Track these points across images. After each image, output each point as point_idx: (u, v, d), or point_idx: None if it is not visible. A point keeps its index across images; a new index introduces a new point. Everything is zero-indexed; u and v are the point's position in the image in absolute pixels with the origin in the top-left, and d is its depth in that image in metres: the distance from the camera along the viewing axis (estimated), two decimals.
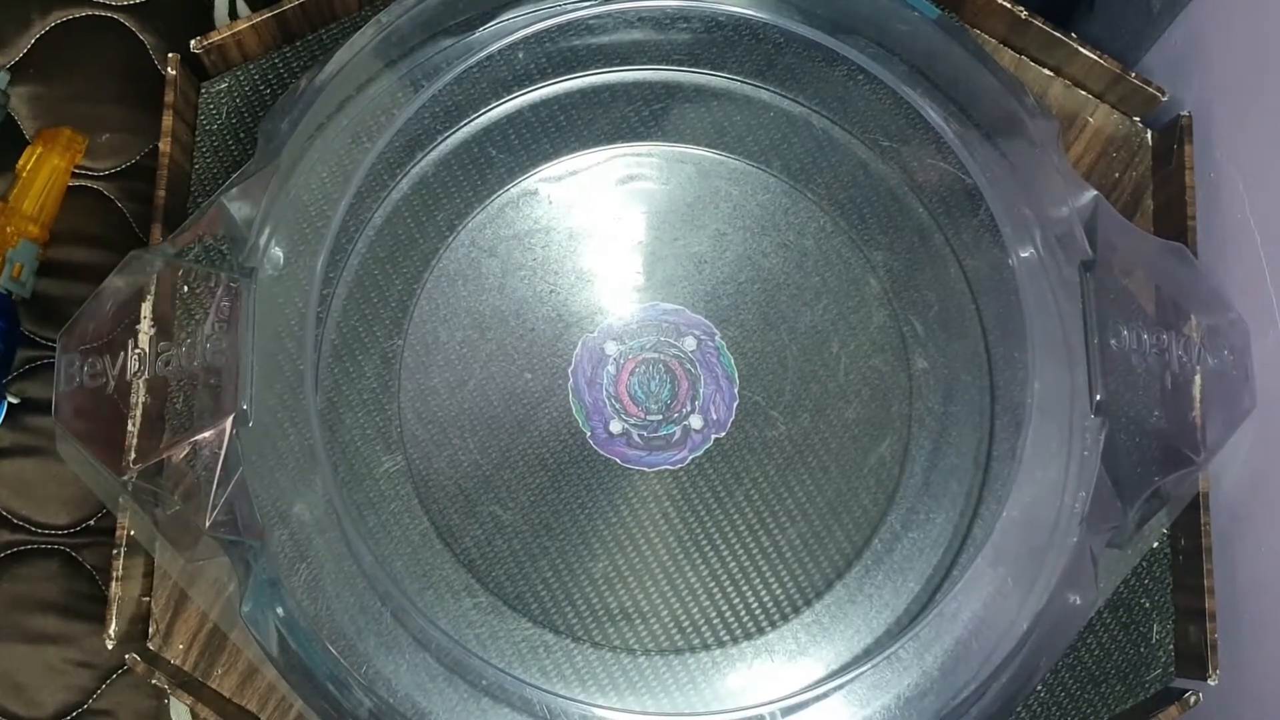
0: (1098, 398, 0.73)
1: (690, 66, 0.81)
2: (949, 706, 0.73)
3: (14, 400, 0.84)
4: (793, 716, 0.72)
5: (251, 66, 0.85)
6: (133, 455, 0.75)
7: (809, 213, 0.80)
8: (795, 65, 0.81)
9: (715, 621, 0.74)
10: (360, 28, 0.79)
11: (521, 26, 0.79)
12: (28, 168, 0.86)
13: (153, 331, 0.75)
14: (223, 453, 0.71)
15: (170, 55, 0.82)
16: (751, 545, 0.75)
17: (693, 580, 0.75)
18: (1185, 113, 0.83)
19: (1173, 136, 0.84)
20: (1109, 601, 0.80)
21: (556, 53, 0.81)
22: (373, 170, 0.77)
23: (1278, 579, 0.76)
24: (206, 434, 0.72)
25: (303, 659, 0.73)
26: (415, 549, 0.74)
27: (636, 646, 0.74)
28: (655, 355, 0.78)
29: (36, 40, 0.90)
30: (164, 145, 0.81)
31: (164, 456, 0.74)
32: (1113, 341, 0.74)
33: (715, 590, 0.75)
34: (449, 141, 0.80)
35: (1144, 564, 0.80)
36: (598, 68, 0.81)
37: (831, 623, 0.74)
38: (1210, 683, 0.77)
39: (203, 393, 0.74)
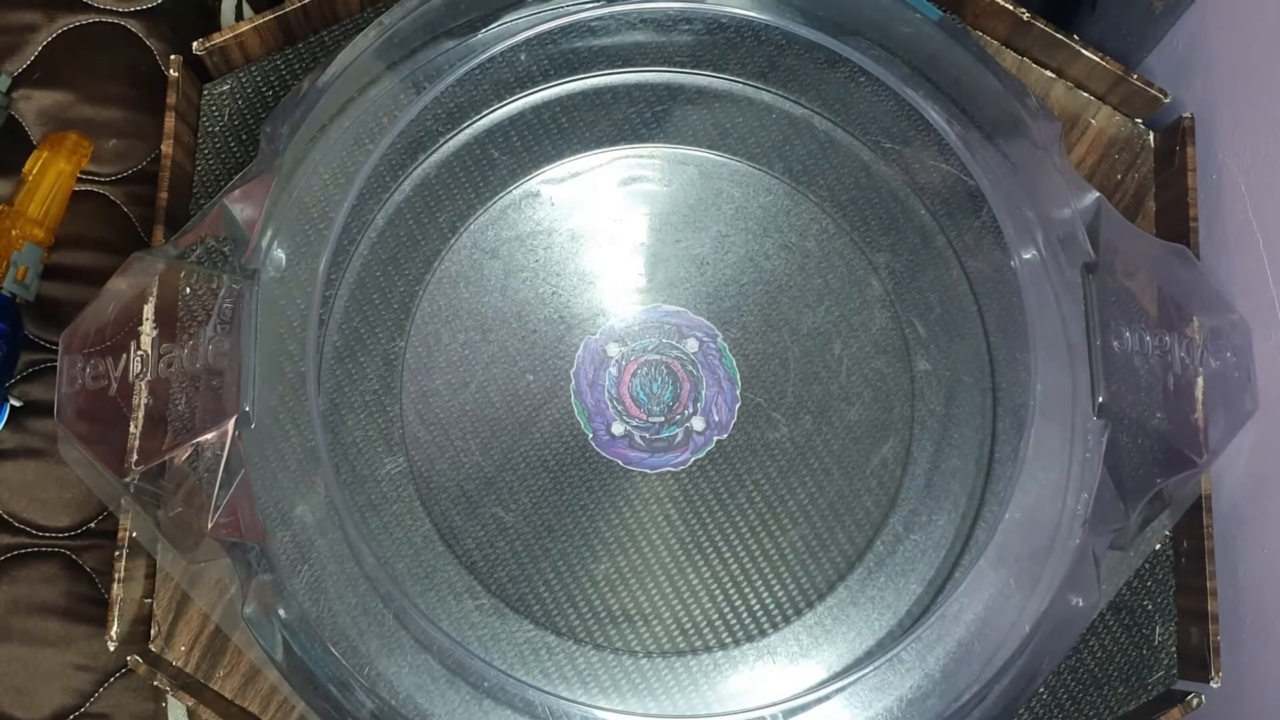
0: (1100, 399, 0.73)
1: (692, 68, 0.81)
2: (951, 709, 0.73)
3: (16, 403, 0.85)
4: (795, 718, 0.72)
5: (254, 68, 0.85)
6: (135, 457, 0.75)
7: (811, 214, 0.80)
8: (797, 67, 0.81)
9: (717, 623, 0.74)
10: (362, 29, 0.79)
11: (524, 28, 0.79)
12: (33, 171, 0.86)
13: (155, 333, 0.75)
14: (225, 454, 0.71)
15: (172, 57, 0.82)
16: (754, 547, 0.75)
17: (695, 582, 0.75)
18: (1187, 114, 0.83)
19: (1175, 138, 0.84)
20: (1111, 603, 0.80)
21: (559, 54, 0.81)
22: (375, 172, 0.77)
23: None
24: (208, 436, 0.72)
25: (305, 661, 0.73)
26: (417, 550, 0.74)
27: (639, 648, 0.74)
28: (657, 357, 0.78)
29: (44, 46, 0.90)
30: (166, 147, 0.81)
31: (166, 458, 0.74)
32: (1115, 343, 0.74)
33: (717, 592, 0.75)
34: (451, 143, 0.80)
35: (1146, 566, 0.80)
36: (600, 69, 0.81)
37: (834, 625, 0.74)
38: (1213, 685, 0.77)
39: (205, 394, 0.74)
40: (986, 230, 0.78)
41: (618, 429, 0.77)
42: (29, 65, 0.90)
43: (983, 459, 0.76)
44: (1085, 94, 0.87)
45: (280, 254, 0.76)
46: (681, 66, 0.81)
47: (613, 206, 0.80)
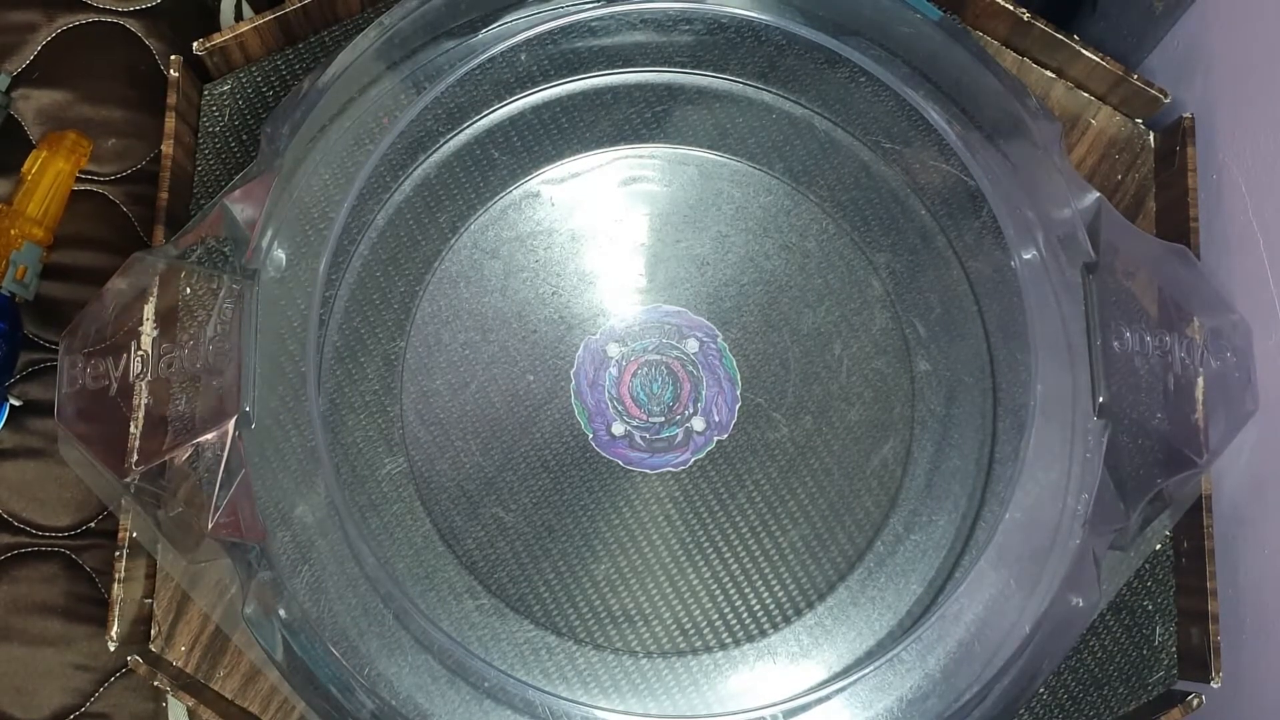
0: (1100, 400, 0.73)
1: (692, 68, 0.81)
2: (951, 709, 0.73)
3: (16, 402, 0.85)
4: (795, 719, 0.72)
5: (254, 68, 0.85)
6: (135, 457, 0.75)
7: (811, 215, 0.80)
8: (797, 67, 0.81)
9: (718, 624, 0.74)
10: (363, 30, 0.79)
11: (524, 29, 0.79)
12: (33, 171, 0.86)
13: (155, 333, 0.75)
14: (225, 455, 0.71)
15: (173, 57, 0.82)
16: (754, 547, 0.75)
17: (695, 582, 0.75)
18: (1187, 114, 0.83)
19: (1175, 138, 0.84)
20: (1111, 604, 0.80)
21: (559, 55, 0.81)
22: (375, 172, 0.77)
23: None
24: (209, 436, 0.72)
25: (305, 661, 0.73)
26: (417, 551, 0.74)
27: (639, 649, 0.74)
28: (657, 357, 0.78)
29: (43, 46, 0.90)
30: (166, 147, 0.81)
31: (166, 458, 0.74)
32: (1115, 343, 0.74)
33: (718, 592, 0.75)
34: (451, 143, 0.80)
35: (1146, 566, 0.80)
36: (600, 70, 0.81)
37: (834, 625, 0.74)
38: (1213, 685, 0.77)
39: (205, 394, 0.74)
40: (987, 230, 0.78)
41: (618, 429, 0.77)
42: (28, 65, 0.90)
43: (983, 459, 0.76)
44: (1085, 94, 0.87)
45: (280, 254, 0.76)
46: (682, 67, 0.81)
47: (613, 207, 0.80)
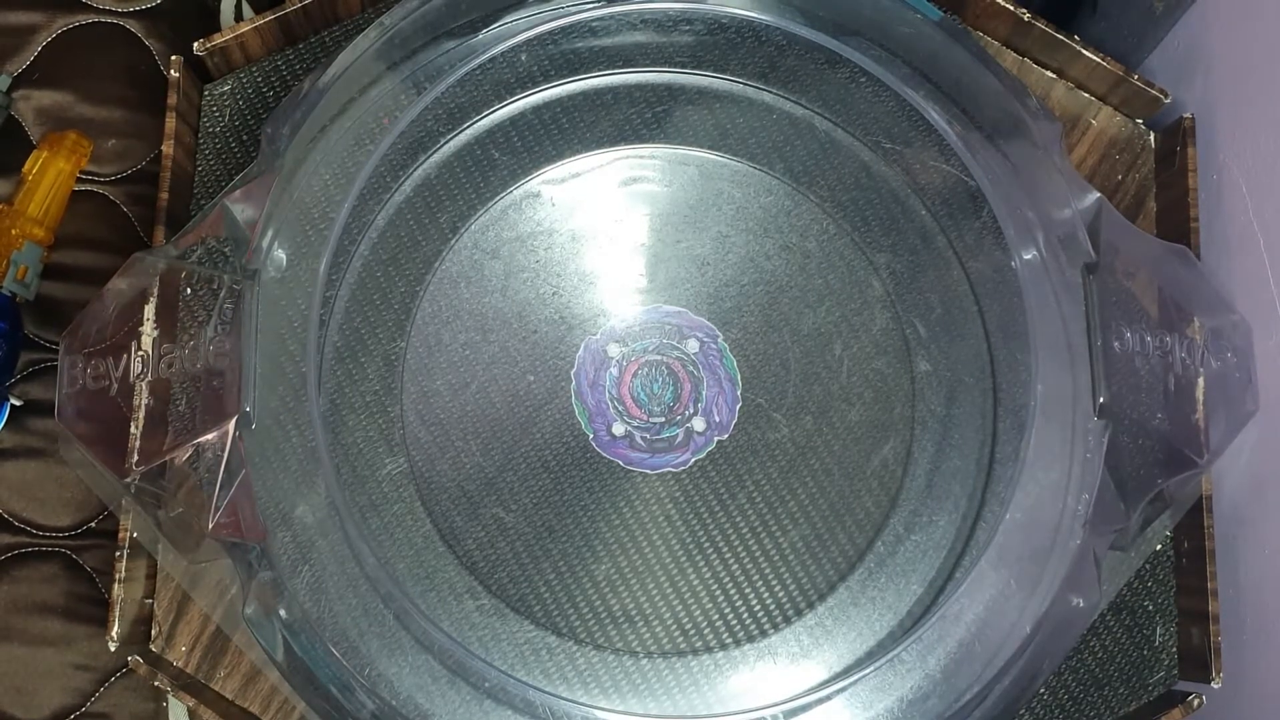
0: (1100, 400, 0.73)
1: (693, 69, 0.81)
2: (952, 709, 0.73)
3: (17, 402, 0.85)
4: (796, 719, 0.72)
5: (254, 69, 0.85)
6: (135, 457, 0.75)
7: (812, 215, 0.80)
8: (798, 67, 0.81)
9: (718, 624, 0.74)
10: (363, 30, 0.79)
11: (524, 29, 0.79)
12: (33, 171, 0.86)
13: (155, 333, 0.75)
14: (225, 455, 0.71)
15: (173, 58, 0.82)
16: (754, 547, 0.75)
17: (695, 583, 0.75)
18: (1188, 115, 0.83)
19: (1175, 138, 0.84)
20: (1112, 604, 0.80)
21: (559, 55, 0.81)
22: (375, 172, 0.77)
23: None
24: (209, 436, 0.72)
25: (305, 661, 0.73)
26: (418, 551, 0.74)
27: (639, 649, 0.74)
28: (658, 357, 0.78)
29: (44, 46, 0.90)
30: (166, 147, 0.81)
31: (167, 458, 0.74)
32: (1116, 344, 0.74)
33: (718, 593, 0.75)
34: (452, 144, 0.80)
35: (1147, 566, 0.80)
36: (600, 70, 0.81)
37: (834, 625, 0.74)
38: (1213, 685, 0.77)
39: (205, 395, 0.74)
40: (987, 231, 0.78)
41: (618, 429, 0.77)
42: (29, 65, 0.90)
43: (983, 459, 0.76)
44: (1086, 94, 0.87)
45: (281, 254, 0.76)
46: (682, 67, 0.81)
47: (613, 207, 0.80)
